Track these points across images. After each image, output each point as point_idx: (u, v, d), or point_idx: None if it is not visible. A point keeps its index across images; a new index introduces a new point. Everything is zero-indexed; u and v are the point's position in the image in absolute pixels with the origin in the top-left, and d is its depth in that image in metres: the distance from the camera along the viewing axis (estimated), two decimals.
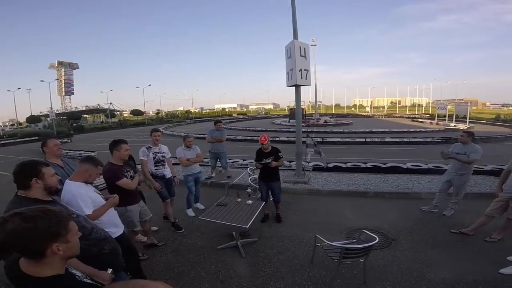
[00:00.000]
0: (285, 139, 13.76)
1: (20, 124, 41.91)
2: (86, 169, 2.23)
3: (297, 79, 5.68)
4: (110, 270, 1.66)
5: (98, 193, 2.36)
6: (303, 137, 6.65)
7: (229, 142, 6.72)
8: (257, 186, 4.96)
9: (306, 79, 5.90)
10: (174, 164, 7.21)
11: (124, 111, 60.75)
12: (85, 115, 51.39)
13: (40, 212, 0.99)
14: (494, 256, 3.19)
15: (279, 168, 4.37)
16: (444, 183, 4.45)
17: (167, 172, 4.24)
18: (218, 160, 6.26)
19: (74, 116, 43.29)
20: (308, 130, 16.19)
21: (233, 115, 55.32)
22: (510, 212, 3.41)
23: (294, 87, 6.08)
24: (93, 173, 2.25)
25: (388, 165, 7.11)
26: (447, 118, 23.25)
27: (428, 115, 33.57)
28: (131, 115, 55.54)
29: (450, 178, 4.33)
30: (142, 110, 52.11)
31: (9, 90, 36.05)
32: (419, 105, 52.96)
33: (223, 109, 77.86)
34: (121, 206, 2.65)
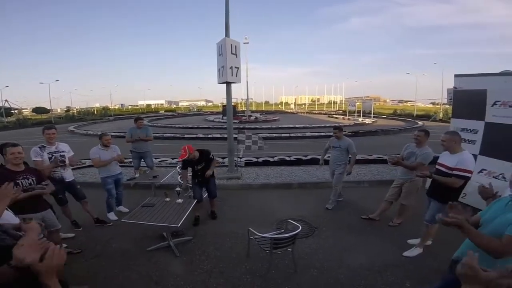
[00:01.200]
0: (219, 135, 13.69)
1: None
2: None
3: (227, 76, 5.71)
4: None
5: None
6: (235, 133, 6.74)
7: (156, 140, 6.30)
8: (188, 184, 4.81)
9: (236, 76, 5.99)
10: (90, 166, 6.34)
11: (24, 109, 50.05)
12: None
13: None
14: (398, 239, 3.62)
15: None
16: (331, 174, 4.93)
17: (68, 175, 3.75)
18: (143, 160, 5.81)
19: None
20: (241, 126, 16.51)
21: (161, 112, 51.80)
22: (403, 197, 3.88)
23: (225, 84, 6.10)
24: None
25: (309, 157, 7.88)
26: (355, 114, 27.00)
27: (342, 111, 38.20)
28: (34, 114, 46.30)
29: (332, 169, 4.79)
30: (48, 108, 43.94)
31: None
32: (334, 102, 60.27)
33: (149, 105, 71.90)
34: (18, 213, 2.22)
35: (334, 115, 32.61)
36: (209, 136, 13.77)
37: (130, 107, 68.49)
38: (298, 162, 7.64)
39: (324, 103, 64.40)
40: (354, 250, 3.48)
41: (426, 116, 27.05)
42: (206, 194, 4.40)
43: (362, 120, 23.55)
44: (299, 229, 2.86)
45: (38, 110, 46.14)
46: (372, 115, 25.25)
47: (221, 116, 28.13)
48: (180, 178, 4.95)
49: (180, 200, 3.65)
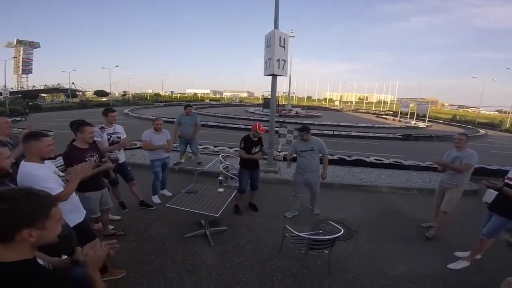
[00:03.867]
0: None
1: None
2: (31, 147, 2.01)
3: (274, 68, 5.65)
4: (64, 257, 1.54)
5: (59, 175, 2.18)
6: (276, 127, 6.69)
7: (201, 127, 6.55)
8: (229, 174, 4.91)
9: (283, 69, 5.89)
10: (140, 147, 6.85)
11: (87, 91, 56.46)
12: (43, 94, 46.91)
13: (23, 193, 0.93)
14: (443, 251, 3.41)
15: None
16: (299, 184, 4.28)
17: (121, 156, 4.00)
18: (188, 146, 6.07)
19: (30, 95, 39.30)
20: (280, 120, 16.37)
21: (206, 100, 53.97)
22: (445, 203, 3.65)
23: (270, 77, 6.04)
24: (41, 147, 2.02)
25: (353, 158, 7.47)
26: (408, 116, 24.94)
27: (392, 112, 35.73)
28: (95, 96, 51.91)
29: (305, 178, 4.20)
30: (107, 91, 48.79)
31: None
32: (384, 102, 56.26)
33: (195, 94, 75.32)
34: (78, 191, 2.44)
35: (383, 116, 30.57)
36: (250, 127, 13.90)
37: (179, 94, 72.69)
38: (340, 162, 7.29)
39: (372, 102, 60.55)
40: (394, 258, 3.29)
41: (489, 124, 23.92)
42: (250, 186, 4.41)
43: (415, 123, 21.66)
44: (341, 232, 2.72)
45: (99, 93, 51.61)
46: (427, 118, 23.08)
47: (261, 108, 28.25)
48: (222, 167, 5.06)
49: (221, 189, 3.72)
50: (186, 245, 3.34)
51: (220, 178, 3.83)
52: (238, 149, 4.30)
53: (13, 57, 55.26)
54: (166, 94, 63.16)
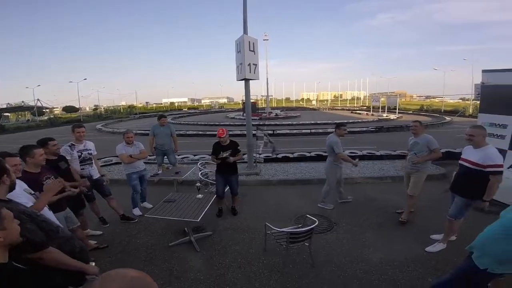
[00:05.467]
0: (239, 132, 13.82)
1: None
2: None
3: (246, 73, 5.77)
4: (93, 263, 1.76)
5: (30, 192, 2.17)
6: (254, 130, 6.80)
7: (179, 137, 6.53)
8: (207, 180, 4.94)
9: (254, 73, 6.03)
10: (116, 163, 6.76)
11: (55, 108, 53.66)
12: (6, 114, 43.88)
13: None
14: (421, 235, 3.55)
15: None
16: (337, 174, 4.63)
17: (95, 172, 3.92)
18: (166, 157, 6.02)
19: None
20: (261, 123, 16.57)
21: (184, 109, 53.21)
22: (410, 187, 3.86)
23: (243, 81, 6.15)
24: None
25: None
26: (380, 109, 26.07)
27: (365, 107, 37.10)
28: (64, 112, 49.50)
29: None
30: (77, 106, 46.66)
31: None
32: (358, 98, 58.32)
33: (172, 103, 74.04)
34: None
35: (358, 111, 31.69)
36: (230, 132, 13.88)
37: (154, 105, 71.00)
38: (318, 158, 7.53)
39: (347, 99, 62.69)
40: (374, 245, 3.44)
41: (454, 112, 25.48)
42: (227, 188, 4.46)
43: (386, 116, 22.70)
44: (316, 223, 2.86)
45: (68, 109, 49.15)
46: (397, 110, 24.28)
47: (241, 113, 28.37)
48: (201, 174, 5.09)
49: (200, 195, 3.75)
50: (172, 253, 3.34)
51: (198, 184, 3.86)
52: None
53: None
54: (141, 105, 61.47)
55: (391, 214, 4.24)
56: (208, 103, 73.07)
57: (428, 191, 3.98)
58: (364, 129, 14.62)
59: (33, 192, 2.18)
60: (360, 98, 58.03)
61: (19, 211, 1.57)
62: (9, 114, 44.51)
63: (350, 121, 19.54)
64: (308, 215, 3.33)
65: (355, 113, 30.22)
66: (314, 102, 62.33)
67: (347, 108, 40.33)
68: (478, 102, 6.09)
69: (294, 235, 2.81)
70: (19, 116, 45.17)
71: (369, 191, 5.22)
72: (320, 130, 14.36)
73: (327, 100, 63.57)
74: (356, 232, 3.76)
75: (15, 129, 24.71)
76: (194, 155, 8.32)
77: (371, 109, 27.89)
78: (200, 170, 5.31)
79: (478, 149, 2.91)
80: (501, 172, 2.81)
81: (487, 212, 3.38)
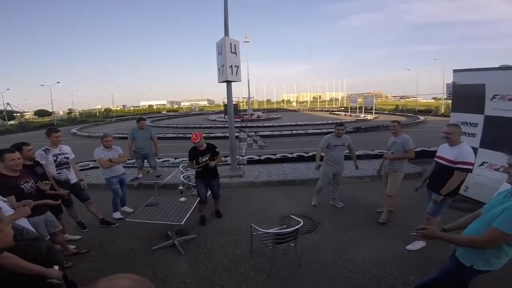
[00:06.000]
0: (221, 134, 13.81)
1: None
2: None
3: (228, 75, 5.75)
4: (56, 267, 1.69)
5: (3, 200, 2.10)
6: (236, 132, 6.79)
7: (159, 140, 6.37)
8: (190, 183, 4.86)
9: (236, 75, 6.02)
10: (93, 167, 6.48)
11: (26, 112, 50.46)
12: None
13: None
14: (401, 234, 3.58)
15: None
16: (327, 176, 4.61)
17: (72, 176, 3.81)
18: (146, 160, 5.87)
19: None
20: (243, 125, 16.56)
21: (163, 112, 51.98)
22: (389, 187, 3.96)
23: (225, 83, 6.14)
24: None
25: (311, 153, 7.90)
26: (357, 110, 26.89)
27: (343, 108, 38.20)
28: (36, 117, 46.74)
29: (334, 170, 4.56)
30: (50, 110, 44.19)
31: None
32: (336, 99, 60.01)
33: (150, 106, 72.08)
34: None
35: (336, 112, 32.54)
36: (212, 135, 13.83)
37: (132, 108, 68.80)
38: (300, 159, 7.68)
39: (326, 100, 64.28)
40: (357, 244, 3.50)
41: (427, 111, 26.91)
42: (210, 193, 4.42)
43: (364, 116, 23.47)
44: (301, 224, 2.90)
45: (40, 113, 46.65)
46: (373, 111, 25.14)
47: (223, 115, 28.22)
48: (183, 177, 5.01)
49: (183, 198, 3.69)
50: (155, 257, 3.28)
51: (180, 187, 3.79)
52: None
53: None
54: (118, 108, 59.39)
55: (372, 213, 4.35)
56: (188, 106, 71.91)
57: (405, 189, 4.12)
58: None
59: (4, 200, 2.10)
60: (338, 99, 59.72)
61: None
62: None
63: (329, 122, 20.06)
64: (292, 216, 3.37)
65: (334, 114, 31.01)
66: (294, 104, 63.34)
67: (326, 109, 41.26)
68: (450, 101, 6.42)
69: (280, 236, 2.83)
70: None
71: (349, 190, 5.31)
72: (301, 131, 14.65)
73: (306, 102, 64.86)
74: (340, 232, 3.82)
75: None
76: (175, 158, 8.17)
77: (349, 110, 28.69)
78: (182, 173, 5.22)
79: (453, 146, 3.01)
80: (468, 170, 2.91)
81: (461, 210, 3.57)
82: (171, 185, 5.54)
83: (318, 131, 14.55)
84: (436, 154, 3.25)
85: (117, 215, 4.39)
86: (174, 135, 14.62)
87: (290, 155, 7.95)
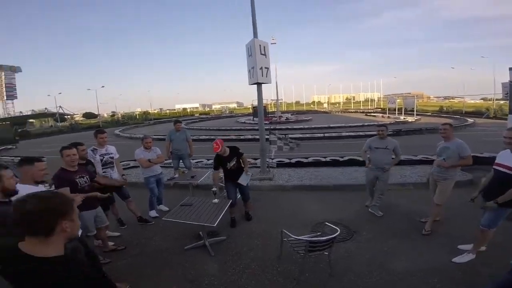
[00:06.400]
0: (250, 137, 13.87)
1: None
2: (25, 171, 2.18)
3: (258, 77, 5.75)
4: None
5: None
6: (266, 134, 6.76)
7: (193, 142, 6.59)
8: (223, 185, 4.91)
9: (266, 76, 6.01)
10: (133, 167, 6.87)
11: (75, 114, 56.06)
12: (31, 120, 46.45)
13: (52, 194, 1.23)
14: (447, 245, 3.35)
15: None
16: (371, 180, 4.46)
17: (116, 175, 4.07)
18: (181, 161, 6.08)
19: (18, 122, 38.86)
20: (271, 127, 16.50)
21: (195, 115, 54.01)
22: (437, 195, 3.64)
23: (256, 85, 6.15)
24: (35, 171, 2.20)
25: (346, 158, 7.56)
26: (396, 112, 25.30)
27: (380, 109, 36.26)
28: (84, 118, 51.66)
29: (376, 174, 4.33)
30: (95, 113, 48.48)
31: None
32: (371, 100, 57.21)
33: (185, 109, 75.42)
34: None
35: (372, 113, 31.02)
36: (241, 137, 13.98)
37: (168, 111, 72.55)
38: (334, 164, 7.37)
39: (360, 101, 61.66)
40: (397, 254, 3.26)
41: (476, 113, 24.36)
42: (239, 195, 4.42)
43: (404, 118, 22.03)
44: (338, 233, 2.76)
45: (87, 115, 51.45)
46: (415, 112, 23.51)
47: (251, 117, 28.44)
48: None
49: (216, 200, 3.74)
50: (186, 257, 3.35)
51: (214, 189, 3.84)
52: None
53: None
54: (155, 111, 62.97)
55: (415, 222, 4.02)
56: (218, 108, 73.88)
57: (454, 198, 3.76)
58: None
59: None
60: (374, 100, 56.97)
61: (5, 214, 1.58)
62: (33, 121, 46.93)
63: (366, 124, 19.15)
64: (327, 223, 3.22)
65: (370, 115, 29.60)
66: (325, 105, 61.70)
67: (360, 111, 39.60)
68: (504, 102, 5.72)
69: (314, 244, 2.72)
70: (43, 122, 47.43)
71: (390, 198, 4.95)
72: (334, 134, 14.14)
73: (339, 103, 62.78)
74: (378, 241, 3.59)
75: (39, 135, 25.92)
76: (208, 160, 8.36)
77: (387, 111, 27.20)
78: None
79: None
80: None
81: None
82: (204, 185, 5.67)
83: (353, 134, 13.96)
84: (495, 162, 2.90)
85: (153, 213, 4.60)
86: (207, 137, 15.02)
87: (323, 159, 7.67)
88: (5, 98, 64.58)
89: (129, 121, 40.81)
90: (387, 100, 31.47)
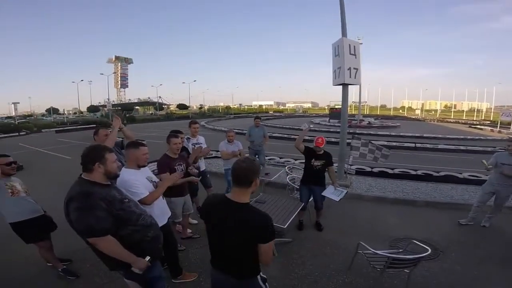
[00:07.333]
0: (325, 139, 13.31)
1: (82, 112, 47.36)
2: (130, 154, 2.29)
3: (345, 77, 5.45)
4: (148, 258, 1.76)
5: (152, 180, 2.40)
6: (348, 139, 6.34)
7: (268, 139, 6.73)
8: (295, 186, 4.84)
9: (355, 78, 5.63)
10: (214, 157, 7.45)
11: (171, 104, 64.66)
12: (137, 107, 56.22)
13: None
14: None
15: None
16: (486, 194, 4.09)
17: (202, 164, 4.35)
18: (257, 157, 6.28)
19: (127, 108, 47.83)
20: (350, 131, 15.46)
21: (270, 112, 55.36)
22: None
23: (341, 86, 5.83)
24: (139, 155, 2.28)
25: (442, 173, 6.47)
26: (511, 126, 20.43)
27: (489, 122, 29.89)
28: (177, 109, 59.29)
29: (495, 190, 3.99)
30: (187, 104, 55.10)
31: (73, 82, 41.18)
32: (478, 110, 47.30)
33: (260, 106, 78.15)
34: (165, 196, 2.69)
35: (478, 126, 25.67)
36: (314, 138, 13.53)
37: (246, 107, 76.68)
38: (426, 178, 6.40)
39: (463, 111, 51.72)
40: (489, 281, 2.87)
41: None
42: (311, 199, 4.18)
43: None
44: (428, 252, 2.42)
45: (180, 106, 58.77)
46: None
47: (327, 119, 27.25)
48: (288, 178, 5.03)
49: (306, 124, 3.72)
50: None
51: (289, 186, 3.78)
52: (303, 160, 4.14)
53: (113, 72, 68.19)
54: (236, 106, 67.28)
55: None
56: (292, 107, 73.55)
57: None
58: (490, 149, 11.59)
59: (154, 180, 2.44)
60: (481, 111, 46.92)
61: (101, 197, 1.65)
62: (138, 108, 56.81)
63: (469, 137, 15.97)
64: (414, 241, 2.82)
65: (475, 127, 24.56)
66: (418, 112, 54.01)
67: (462, 121, 33.26)
68: None
69: (396, 261, 2.44)
70: (146, 110, 56.91)
71: (497, 221, 4.16)
72: (428, 145, 12.19)
73: (435, 110, 54.15)
74: (468, 264, 3.17)
75: (142, 120, 31.24)
76: (280, 158, 8.44)
77: (498, 125, 22.11)
78: (288, 175, 5.30)
79: None
80: None
81: None
82: (275, 183, 5.72)
83: (453, 147, 11.79)
84: None
85: None
86: (280, 135, 15.17)
87: (413, 172, 6.73)
88: (119, 86, 79.66)
89: (213, 114, 44.95)
90: (500, 112, 25.52)
